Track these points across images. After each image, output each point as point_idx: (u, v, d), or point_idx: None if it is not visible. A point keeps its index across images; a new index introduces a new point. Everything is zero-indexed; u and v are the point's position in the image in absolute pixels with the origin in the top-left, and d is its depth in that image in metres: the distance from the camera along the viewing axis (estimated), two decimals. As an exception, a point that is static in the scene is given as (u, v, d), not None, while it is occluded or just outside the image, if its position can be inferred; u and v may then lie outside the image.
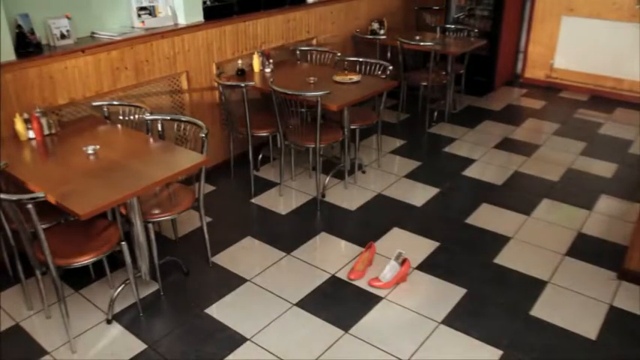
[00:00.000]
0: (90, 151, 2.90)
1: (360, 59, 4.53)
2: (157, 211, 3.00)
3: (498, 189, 4.24)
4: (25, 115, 3.07)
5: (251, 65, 4.39)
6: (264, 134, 4.15)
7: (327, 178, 4.24)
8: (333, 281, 3.21)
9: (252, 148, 4.14)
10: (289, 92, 3.67)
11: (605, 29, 5.96)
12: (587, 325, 2.84)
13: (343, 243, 3.56)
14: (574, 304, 3.01)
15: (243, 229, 3.72)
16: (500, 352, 2.68)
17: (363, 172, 4.50)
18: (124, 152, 2.96)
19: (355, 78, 4.14)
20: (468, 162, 4.68)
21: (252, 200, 4.11)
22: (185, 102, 4.13)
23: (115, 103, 3.50)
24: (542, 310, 2.96)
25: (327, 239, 3.60)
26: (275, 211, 3.97)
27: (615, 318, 2.90)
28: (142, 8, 3.83)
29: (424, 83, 5.29)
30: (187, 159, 2.90)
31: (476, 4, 6.47)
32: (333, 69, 4.55)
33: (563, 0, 6.14)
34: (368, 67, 4.47)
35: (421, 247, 3.50)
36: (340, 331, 2.82)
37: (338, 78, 4.13)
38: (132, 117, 3.46)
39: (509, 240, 3.58)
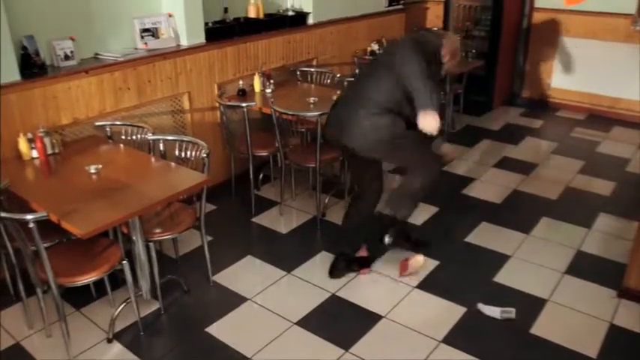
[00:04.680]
0: (92, 171, 2.93)
1: (360, 79, 4.58)
2: (158, 230, 3.02)
3: (497, 207, 4.26)
4: (29, 135, 3.11)
5: (252, 85, 4.44)
6: (265, 154, 4.19)
7: (328, 198, 4.26)
8: (334, 300, 3.22)
9: (253, 167, 4.17)
10: (290, 112, 3.72)
11: (602, 49, 6.04)
12: (588, 343, 2.84)
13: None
14: (574, 322, 3.01)
15: (244, 248, 3.73)
16: (500, 371, 2.68)
17: (363, 190, 4.51)
18: (126, 172, 2.99)
19: (355, 98, 4.17)
20: (467, 181, 4.70)
21: (253, 219, 4.13)
22: (187, 122, 4.17)
23: (118, 123, 3.54)
24: (542, 328, 2.96)
25: (328, 258, 3.61)
26: (276, 230, 3.98)
27: (616, 336, 2.90)
28: (145, 30, 3.89)
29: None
30: (189, 178, 2.93)
31: (473, 25, 6.56)
32: (333, 89, 4.59)
33: (560, 20, 6.23)
34: (367, 87, 4.50)
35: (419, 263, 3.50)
36: (341, 350, 2.82)
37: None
38: (134, 137, 3.50)
39: (508, 258, 3.59)
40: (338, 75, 4.75)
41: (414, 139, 3.04)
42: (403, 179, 3.32)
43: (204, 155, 3.08)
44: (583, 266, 3.49)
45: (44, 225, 2.48)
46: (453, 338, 2.89)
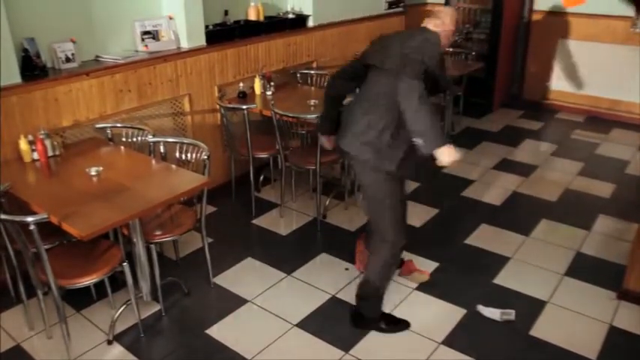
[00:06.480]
0: (93, 173, 2.94)
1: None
2: (158, 232, 3.03)
3: (497, 209, 4.27)
4: (30, 137, 3.12)
5: (252, 88, 4.45)
6: (265, 156, 4.20)
7: (328, 200, 4.27)
8: (334, 302, 3.22)
9: (253, 169, 4.18)
10: (290, 115, 3.73)
11: (601, 52, 6.06)
12: (588, 344, 2.85)
13: (344, 264, 3.57)
14: (574, 324, 3.02)
15: (244, 250, 3.74)
16: (500, 373, 2.68)
17: (363, 192, 4.52)
18: (127, 174, 2.99)
19: (355, 100, 4.18)
20: (467, 182, 4.71)
21: (253, 221, 4.13)
22: (187, 124, 4.18)
23: (118, 125, 3.55)
24: (542, 329, 2.96)
25: (328, 260, 3.62)
26: (276, 232, 3.99)
27: (615, 338, 2.90)
28: (145, 32, 3.90)
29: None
30: (189, 181, 2.93)
31: (473, 28, 6.58)
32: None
33: (559, 23, 6.24)
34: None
35: (421, 267, 3.50)
36: (341, 352, 2.82)
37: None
38: (135, 139, 3.50)
39: (508, 260, 3.59)
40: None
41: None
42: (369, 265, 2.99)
43: (205, 157, 3.09)
44: (583, 268, 3.50)
45: (45, 227, 2.49)
46: (453, 340, 2.90)
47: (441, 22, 2.73)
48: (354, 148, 2.76)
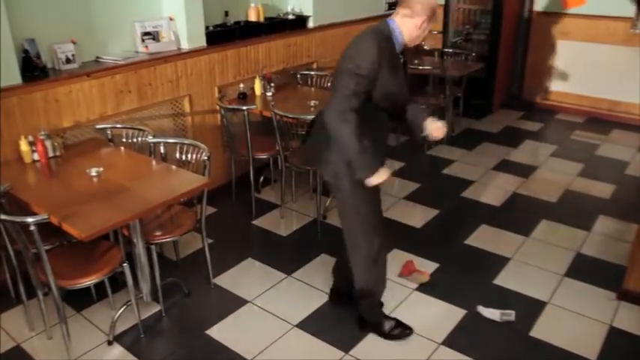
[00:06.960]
0: (93, 174, 2.94)
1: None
2: (159, 233, 3.03)
3: (497, 210, 4.27)
4: (30, 138, 3.12)
5: (252, 89, 4.45)
6: (265, 156, 4.20)
7: (328, 200, 4.27)
8: (334, 303, 3.22)
9: (254, 170, 4.18)
10: (290, 115, 3.73)
11: (601, 52, 6.06)
12: (588, 345, 2.85)
13: (343, 264, 3.57)
14: (574, 324, 3.02)
15: (244, 251, 3.74)
16: (500, 373, 2.68)
17: (363, 193, 4.52)
18: (127, 174, 3.00)
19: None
20: (467, 183, 4.71)
21: (254, 222, 4.13)
22: (187, 125, 4.18)
23: (119, 126, 3.55)
24: (542, 330, 2.96)
25: (328, 261, 3.62)
26: (276, 232, 3.99)
27: (615, 338, 2.90)
28: (145, 33, 3.90)
29: (423, 106, 5.34)
30: (189, 181, 2.93)
31: (473, 29, 6.58)
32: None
33: (559, 24, 6.25)
34: (367, 91, 4.51)
35: (421, 268, 3.50)
36: (341, 353, 2.82)
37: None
38: (135, 140, 3.50)
39: (508, 261, 3.60)
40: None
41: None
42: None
43: (205, 158, 3.09)
44: (582, 268, 3.50)
45: (45, 227, 2.49)
46: (453, 340, 2.90)
47: (410, 12, 2.38)
48: (322, 167, 2.70)
